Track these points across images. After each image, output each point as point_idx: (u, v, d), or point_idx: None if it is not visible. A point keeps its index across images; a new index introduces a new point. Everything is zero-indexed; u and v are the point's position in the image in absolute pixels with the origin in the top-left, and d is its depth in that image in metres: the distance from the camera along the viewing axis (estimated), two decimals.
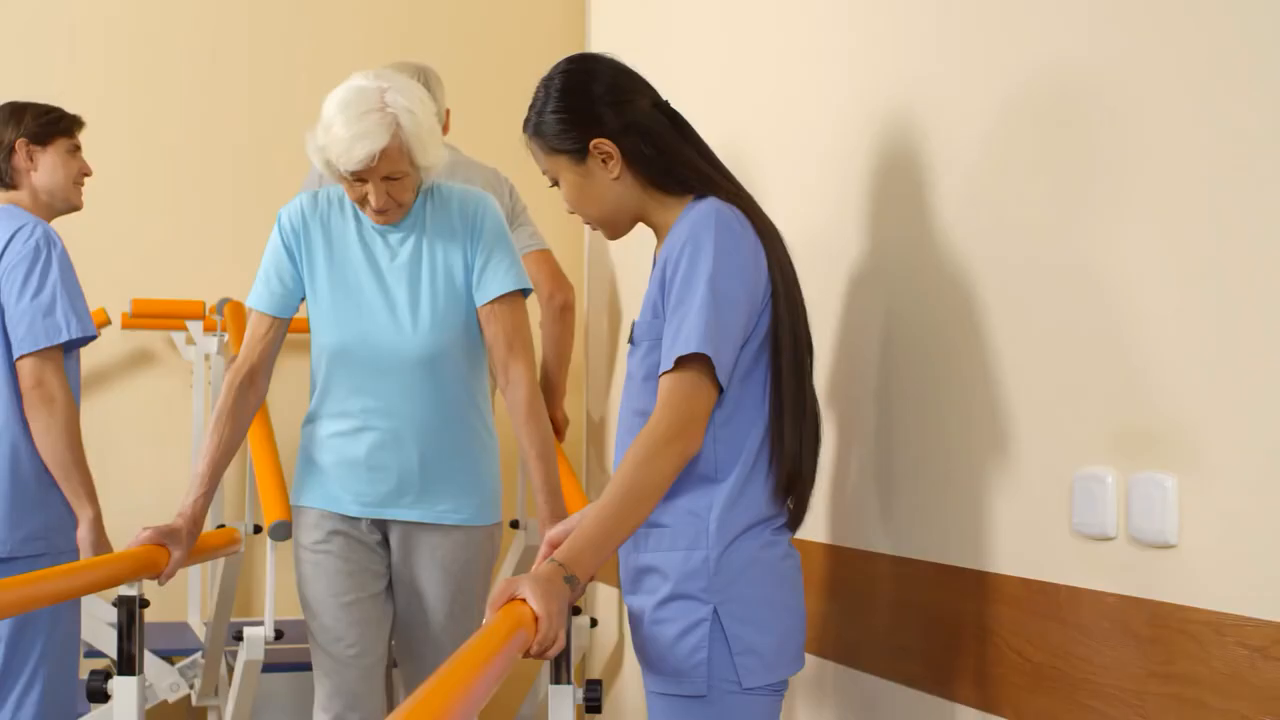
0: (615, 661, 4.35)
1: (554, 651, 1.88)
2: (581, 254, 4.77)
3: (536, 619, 1.85)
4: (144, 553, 2.65)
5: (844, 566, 2.61)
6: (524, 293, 2.88)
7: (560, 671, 2.93)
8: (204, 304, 4.41)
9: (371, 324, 2.82)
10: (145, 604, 2.74)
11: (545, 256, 3.88)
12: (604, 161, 2.22)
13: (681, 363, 2.05)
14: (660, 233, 2.28)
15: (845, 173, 2.70)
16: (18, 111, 3.38)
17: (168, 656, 4.27)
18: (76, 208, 3.43)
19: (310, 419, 2.92)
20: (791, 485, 2.15)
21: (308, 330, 2.92)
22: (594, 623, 4.22)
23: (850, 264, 2.65)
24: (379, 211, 2.78)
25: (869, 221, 2.60)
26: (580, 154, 2.22)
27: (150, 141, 4.62)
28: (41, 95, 4.43)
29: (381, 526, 2.89)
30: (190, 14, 4.68)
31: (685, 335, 2.05)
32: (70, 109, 4.60)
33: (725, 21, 3.43)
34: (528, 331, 2.90)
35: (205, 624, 4.45)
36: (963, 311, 2.27)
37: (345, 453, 2.86)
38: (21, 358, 3.13)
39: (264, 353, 2.87)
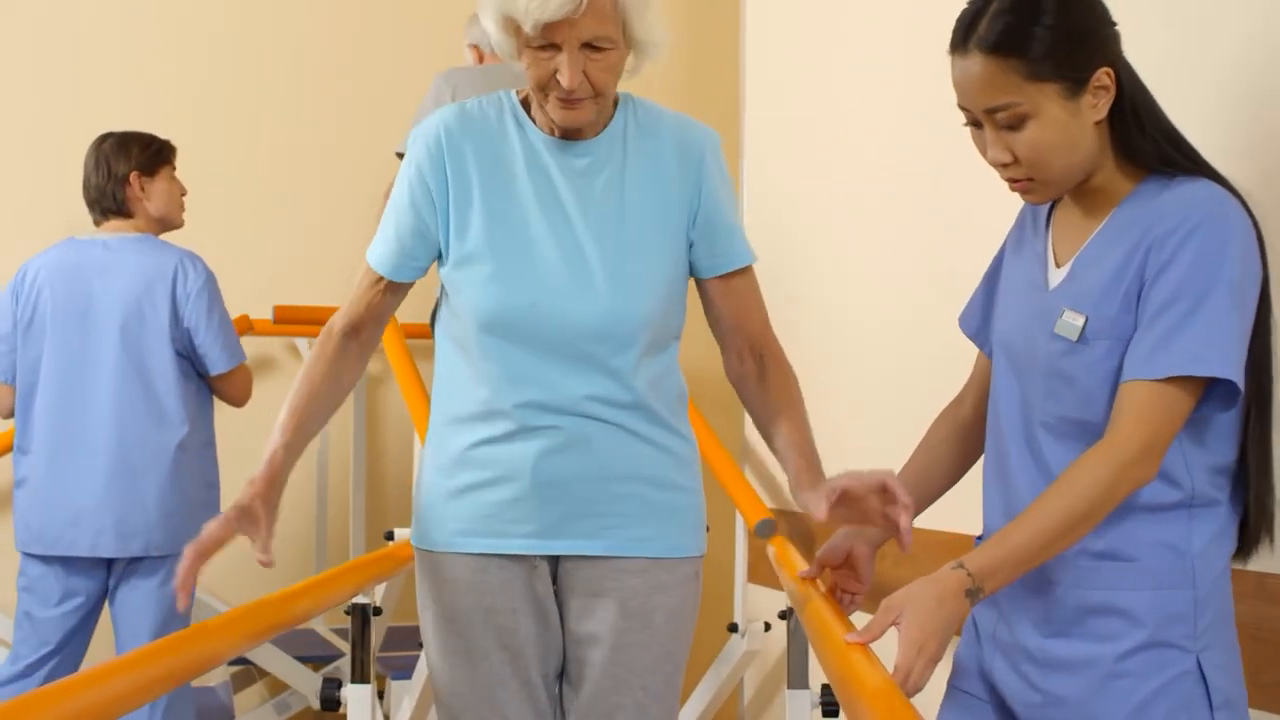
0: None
1: (912, 688, 1.64)
2: None
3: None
4: None
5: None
6: None
7: (795, 676, 2.96)
8: None
9: (548, 286, 2.09)
10: (378, 612, 2.74)
11: None
12: (1094, 98, 1.77)
13: (1172, 377, 1.70)
14: (1099, 204, 1.85)
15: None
16: (124, 144, 3.61)
17: (306, 662, 4.28)
18: (179, 226, 3.75)
19: (442, 421, 2.20)
20: (1262, 519, 1.85)
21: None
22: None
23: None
24: (567, 99, 2.04)
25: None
26: (1079, 84, 1.75)
27: (281, 150, 4.64)
28: (177, 105, 4.46)
29: (553, 564, 2.18)
30: (311, 21, 4.69)
31: (1202, 351, 1.70)
32: (209, 120, 4.66)
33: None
34: None
35: (334, 630, 4.46)
36: None
37: (501, 467, 2.12)
38: (219, 375, 3.62)
39: (374, 307, 2.17)
